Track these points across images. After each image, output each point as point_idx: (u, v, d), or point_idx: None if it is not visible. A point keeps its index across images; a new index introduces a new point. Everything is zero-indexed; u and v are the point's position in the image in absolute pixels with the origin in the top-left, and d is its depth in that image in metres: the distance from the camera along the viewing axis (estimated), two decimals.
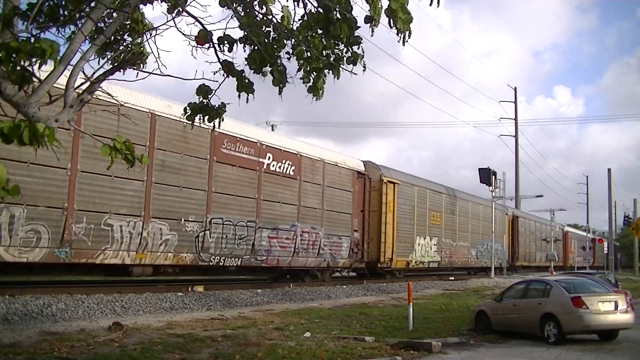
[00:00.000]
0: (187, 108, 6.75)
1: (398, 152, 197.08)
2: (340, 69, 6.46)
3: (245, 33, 6.39)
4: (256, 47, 6.34)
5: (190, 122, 6.87)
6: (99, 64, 6.39)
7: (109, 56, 6.59)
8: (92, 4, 5.69)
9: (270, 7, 6.33)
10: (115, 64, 6.38)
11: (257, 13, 6.45)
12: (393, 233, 27.06)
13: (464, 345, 12.57)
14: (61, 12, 6.04)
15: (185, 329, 12.17)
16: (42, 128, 4.55)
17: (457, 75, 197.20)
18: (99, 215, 14.69)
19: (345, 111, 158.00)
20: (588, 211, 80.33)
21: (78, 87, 5.53)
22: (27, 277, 15.91)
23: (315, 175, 22.80)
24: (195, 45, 6.46)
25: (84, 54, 5.46)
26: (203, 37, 6.41)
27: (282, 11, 6.29)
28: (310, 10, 6.26)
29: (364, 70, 6.48)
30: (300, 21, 6.37)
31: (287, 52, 6.54)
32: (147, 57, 6.66)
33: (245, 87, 6.53)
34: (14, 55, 4.70)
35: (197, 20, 6.35)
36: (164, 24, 6.33)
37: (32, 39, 4.97)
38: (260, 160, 19.99)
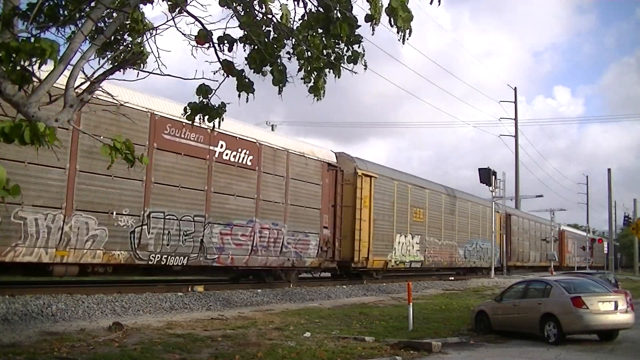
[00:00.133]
0: (187, 108, 6.75)
1: (398, 152, 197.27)
2: (341, 68, 6.45)
3: (245, 33, 6.39)
4: (256, 47, 6.34)
5: (190, 122, 6.86)
6: (99, 63, 6.40)
7: (109, 56, 6.58)
8: (92, 4, 5.69)
9: (269, 6, 6.33)
10: (116, 63, 6.38)
11: (257, 12, 6.45)
12: (369, 230, 25.21)
13: (464, 345, 12.56)
14: (61, 12, 6.04)
15: (185, 329, 12.16)
16: (42, 128, 4.55)
17: (457, 75, 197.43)
18: (9, 207, 12.63)
19: (345, 111, 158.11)
20: (588, 211, 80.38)
21: (78, 86, 5.53)
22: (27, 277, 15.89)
23: (277, 166, 20.76)
24: (195, 45, 6.46)
25: (84, 53, 5.46)
26: (203, 37, 6.41)
27: (281, 9, 6.29)
28: (311, 9, 6.26)
29: (365, 69, 6.48)
30: (301, 21, 6.37)
31: (288, 52, 6.54)
32: (147, 57, 6.67)
33: (245, 86, 6.53)
34: (14, 55, 4.71)
35: (197, 19, 6.35)
36: (163, 23, 6.34)
37: (32, 39, 4.97)
38: (211, 148, 18.00)
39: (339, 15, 6.07)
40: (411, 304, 14.36)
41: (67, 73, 5.35)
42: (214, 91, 6.63)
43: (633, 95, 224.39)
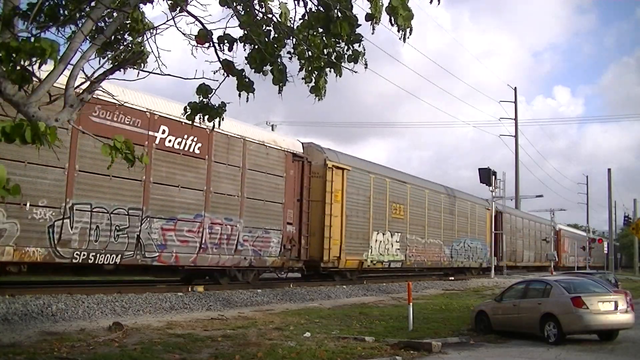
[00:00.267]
0: (188, 107, 6.75)
1: (398, 152, 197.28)
2: (342, 67, 6.46)
3: (245, 32, 6.39)
4: (256, 46, 6.34)
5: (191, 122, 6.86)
6: (99, 63, 6.40)
7: (109, 55, 6.59)
8: (92, 4, 5.69)
9: (269, 5, 6.34)
10: (116, 63, 6.38)
11: (257, 12, 6.45)
12: (341, 227, 23.34)
13: (464, 345, 12.57)
14: (61, 11, 6.05)
15: (185, 329, 12.17)
16: (43, 127, 4.56)
17: (457, 75, 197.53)
18: None
19: (345, 111, 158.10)
20: (588, 211, 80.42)
21: (78, 86, 5.53)
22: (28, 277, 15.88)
23: (232, 156, 18.75)
24: (196, 44, 6.47)
25: (84, 53, 5.46)
26: (203, 37, 6.41)
27: (280, 8, 6.29)
28: (311, 8, 6.26)
29: (365, 68, 6.49)
30: (301, 20, 6.37)
31: (289, 52, 6.54)
32: (147, 57, 6.67)
33: (245, 86, 6.53)
34: (14, 54, 4.71)
35: (197, 19, 6.36)
36: (163, 23, 6.34)
37: (32, 39, 4.98)
38: (151, 133, 16.01)
39: (339, 14, 6.07)
40: (411, 304, 14.36)
41: (67, 73, 5.35)
42: (214, 91, 6.63)
43: (633, 95, 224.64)
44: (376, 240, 26.23)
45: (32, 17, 5.39)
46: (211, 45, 6.50)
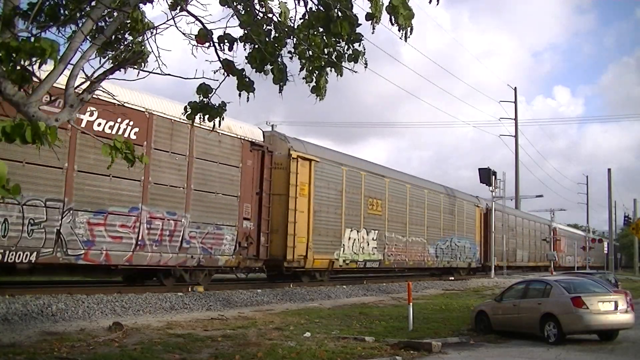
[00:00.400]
0: (188, 107, 6.76)
1: (398, 152, 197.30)
2: (342, 67, 6.46)
3: (246, 32, 6.39)
4: (256, 46, 6.35)
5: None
6: (100, 62, 6.40)
7: (110, 55, 6.59)
8: (92, 3, 5.69)
9: (269, 5, 6.34)
10: (116, 63, 6.39)
11: (257, 12, 6.45)
12: (308, 224, 21.47)
13: (464, 345, 12.56)
14: (61, 11, 6.04)
15: (185, 329, 12.16)
16: (43, 127, 4.56)
17: (457, 75, 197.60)
18: None
19: (345, 111, 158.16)
20: (588, 211, 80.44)
21: (78, 86, 5.53)
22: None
23: (176, 143, 16.76)
24: (196, 44, 6.47)
25: (84, 53, 5.47)
26: (203, 36, 6.42)
27: (280, 7, 6.29)
28: (311, 8, 6.26)
29: (365, 68, 6.49)
30: (302, 20, 6.38)
31: (290, 52, 6.54)
32: (147, 56, 6.67)
33: (245, 86, 6.54)
34: (14, 54, 4.71)
35: (197, 19, 6.36)
36: (164, 22, 6.34)
37: (32, 39, 4.98)
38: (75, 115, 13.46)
39: (339, 13, 6.08)
40: (411, 304, 14.36)
41: (67, 73, 5.35)
42: (214, 90, 6.63)
43: (633, 95, 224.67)
44: (349, 238, 24.35)
45: (33, 17, 5.39)
46: (211, 44, 6.51)
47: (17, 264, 13.30)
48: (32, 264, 13.62)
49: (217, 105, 6.75)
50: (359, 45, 6.39)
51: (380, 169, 28.35)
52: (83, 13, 5.93)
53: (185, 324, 12.85)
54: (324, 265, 22.99)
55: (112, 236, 15.01)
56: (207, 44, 6.50)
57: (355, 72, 6.47)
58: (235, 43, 6.53)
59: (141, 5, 6.36)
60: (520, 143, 61.11)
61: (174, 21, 6.30)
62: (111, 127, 15.04)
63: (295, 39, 6.42)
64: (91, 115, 14.47)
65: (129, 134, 15.41)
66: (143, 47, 6.69)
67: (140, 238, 15.68)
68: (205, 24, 6.39)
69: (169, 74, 6.34)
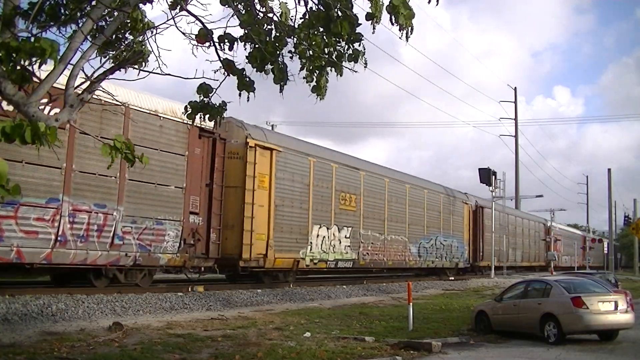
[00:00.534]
0: (188, 106, 6.76)
1: (398, 153, 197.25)
2: (343, 66, 6.46)
3: (246, 31, 6.39)
4: (257, 45, 6.35)
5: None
6: (100, 62, 6.40)
7: (110, 55, 6.59)
8: (93, 3, 5.69)
9: (269, 4, 6.34)
10: (117, 62, 6.39)
11: (257, 11, 6.45)
12: (269, 219, 19.66)
13: (464, 345, 12.56)
14: (62, 11, 6.04)
15: (185, 329, 12.16)
16: (43, 127, 4.56)
17: (457, 75, 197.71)
18: None
19: (345, 111, 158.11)
20: (588, 211, 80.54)
21: (78, 86, 5.53)
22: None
23: (107, 127, 14.70)
24: (196, 44, 6.47)
25: (84, 53, 5.46)
26: (203, 36, 6.42)
27: (280, 8, 6.30)
28: (311, 7, 6.26)
29: (365, 67, 6.49)
30: (302, 19, 6.38)
31: (290, 51, 6.55)
32: (148, 56, 6.66)
33: (246, 85, 6.54)
34: (14, 54, 4.71)
35: (197, 19, 6.36)
36: (164, 22, 6.34)
37: (32, 39, 4.98)
38: None
39: (339, 13, 6.08)
40: (411, 304, 14.36)
41: (67, 73, 5.35)
42: (214, 90, 6.63)
43: (632, 95, 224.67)
44: (318, 236, 22.27)
45: (33, 17, 5.39)
46: (212, 44, 6.51)
47: None
48: None
49: (217, 105, 6.75)
50: (359, 45, 6.40)
51: (355, 161, 26.24)
52: (83, 13, 5.93)
53: (185, 324, 12.85)
54: (287, 264, 21.00)
55: (25, 231, 13.25)
56: (207, 44, 6.50)
57: (355, 72, 6.48)
58: (236, 43, 6.53)
59: (141, 5, 6.36)
60: (520, 143, 61.12)
61: (174, 21, 6.30)
62: None
63: (295, 39, 6.42)
64: None
65: (48, 113, 12.85)
66: (143, 47, 6.69)
67: (61, 233, 13.86)
68: (205, 24, 6.39)
69: (169, 74, 6.35)
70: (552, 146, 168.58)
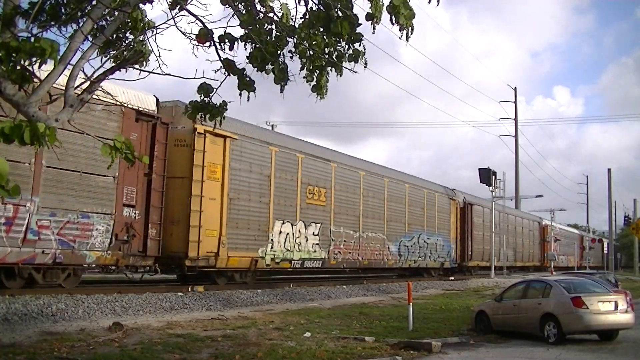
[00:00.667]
0: (189, 106, 6.76)
1: (398, 153, 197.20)
2: (343, 67, 6.46)
3: (246, 31, 6.39)
4: (257, 45, 6.35)
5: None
6: (101, 62, 6.40)
7: (111, 54, 6.58)
8: (93, 3, 5.69)
9: (270, 4, 6.33)
10: (118, 62, 6.39)
11: (257, 11, 6.45)
12: (221, 214, 17.92)
13: (464, 345, 12.56)
14: (63, 10, 6.04)
15: (185, 329, 12.16)
16: (42, 128, 4.55)
17: (457, 76, 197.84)
18: None
19: (345, 111, 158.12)
20: (588, 211, 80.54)
21: (78, 86, 5.53)
22: None
23: None
24: (196, 43, 6.47)
25: (84, 53, 5.46)
26: (204, 36, 6.41)
27: (281, 9, 6.29)
28: (312, 7, 6.26)
29: (365, 67, 6.49)
30: (302, 19, 6.38)
31: (290, 51, 6.55)
32: (148, 55, 6.66)
33: (246, 85, 6.54)
34: (14, 54, 4.70)
35: (197, 18, 6.35)
36: (164, 22, 6.33)
37: (32, 39, 4.97)
38: None
39: (339, 13, 6.08)
40: (411, 304, 14.36)
41: (67, 72, 5.35)
42: (215, 90, 6.63)
43: (632, 95, 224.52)
44: (280, 233, 20.51)
45: (33, 16, 5.39)
46: (212, 44, 6.50)
47: None
48: None
49: (218, 104, 6.75)
50: (360, 45, 6.40)
51: (325, 152, 24.26)
52: (83, 13, 5.92)
53: (185, 324, 12.85)
54: (243, 264, 19.23)
55: None
56: (207, 44, 6.50)
57: (356, 72, 6.48)
58: (236, 42, 6.53)
59: (141, 4, 6.36)
60: (520, 143, 61.22)
61: (174, 21, 6.30)
62: None
63: (295, 39, 6.42)
64: None
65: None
66: (144, 47, 6.68)
67: None
68: (205, 24, 6.39)
69: (169, 74, 6.34)
70: (552, 146, 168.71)
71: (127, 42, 6.68)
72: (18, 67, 4.89)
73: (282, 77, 6.49)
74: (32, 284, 14.31)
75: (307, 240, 21.90)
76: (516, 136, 60.91)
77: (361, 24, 6.16)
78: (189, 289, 17.25)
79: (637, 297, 22.54)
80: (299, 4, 6.35)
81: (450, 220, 34.64)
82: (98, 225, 14.83)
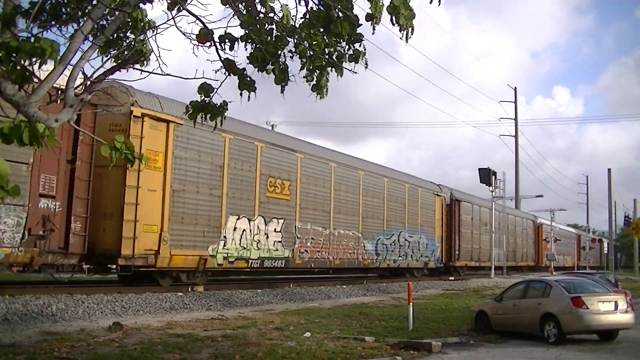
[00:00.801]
0: (189, 106, 6.75)
1: (398, 153, 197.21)
2: (343, 67, 6.46)
3: (246, 32, 6.39)
4: (258, 45, 6.34)
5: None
6: (102, 61, 6.40)
7: (112, 54, 6.58)
8: (94, 2, 5.68)
9: (270, 4, 6.33)
10: (119, 62, 6.38)
11: (258, 11, 6.44)
12: (163, 207, 16.10)
13: (464, 345, 12.56)
14: (63, 10, 6.03)
15: (185, 329, 12.16)
16: (42, 128, 4.55)
17: (457, 75, 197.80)
18: None
19: (345, 111, 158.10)
20: (588, 211, 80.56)
21: (78, 86, 5.53)
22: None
23: None
24: (197, 44, 6.46)
25: (84, 53, 5.45)
26: (204, 36, 6.41)
27: (281, 10, 6.29)
28: (312, 7, 6.26)
29: (365, 68, 6.48)
30: (302, 19, 6.37)
31: (290, 51, 6.54)
32: (149, 55, 6.65)
33: (246, 85, 6.53)
34: (14, 54, 4.70)
35: (197, 18, 6.35)
36: (164, 22, 6.33)
37: (32, 39, 4.97)
38: None
39: (339, 14, 6.07)
40: (411, 304, 14.36)
41: (67, 73, 5.35)
42: (215, 90, 6.63)
43: (632, 95, 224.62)
44: (235, 229, 18.67)
45: (34, 16, 5.38)
46: (212, 44, 6.50)
47: None
48: None
49: (218, 104, 6.74)
50: (360, 46, 6.39)
51: (290, 142, 22.35)
52: (84, 13, 5.92)
53: (185, 324, 12.85)
54: (190, 263, 17.35)
55: None
56: (208, 44, 6.49)
57: (356, 73, 6.47)
58: (237, 43, 6.53)
59: (141, 4, 6.36)
60: (520, 143, 61.27)
61: (174, 21, 6.30)
62: None
63: (296, 38, 6.42)
64: None
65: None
66: (144, 46, 6.68)
67: None
68: (206, 24, 6.39)
69: (169, 74, 6.34)
70: (552, 146, 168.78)
71: (127, 41, 6.67)
72: (18, 67, 4.88)
73: (282, 78, 6.48)
74: None
75: (267, 237, 20.08)
76: (516, 136, 60.98)
77: (361, 25, 6.16)
78: (189, 289, 17.25)
79: (637, 297, 22.54)
80: (299, 4, 6.34)
81: (435, 218, 32.76)
82: (6, 218, 12.96)
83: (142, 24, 6.55)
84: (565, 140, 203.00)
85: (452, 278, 33.68)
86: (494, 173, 38.36)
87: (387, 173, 28.99)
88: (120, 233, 15.07)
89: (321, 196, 23.08)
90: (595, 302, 12.71)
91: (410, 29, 5.73)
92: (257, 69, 6.45)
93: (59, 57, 5.02)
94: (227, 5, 6.28)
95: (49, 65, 5.06)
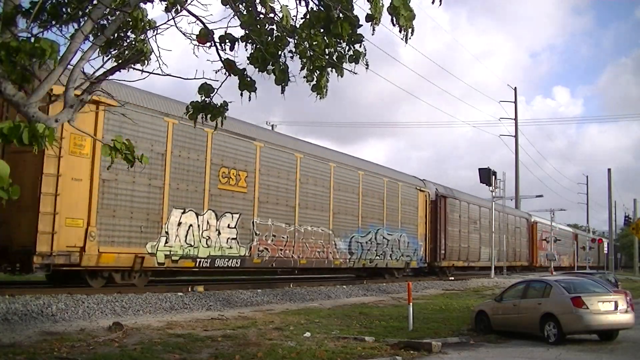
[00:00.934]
0: (190, 106, 6.75)
1: (397, 152, 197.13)
2: (343, 68, 6.46)
3: (247, 32, 6.39)
4: (258, 46, 6.35)
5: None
6: (102, 61, 6.40)
7: (112, 54, 6.58)
8: (94, 2, 5.69)
9: (270, 4, 6.33)
10: (119, 62, 6.38)
11: (258, 12, 6.44)
12: (90, 198, 14.40)
13: (464, 345, 12.56)
14: (63, 10, 6.04)
15: (185, 329, 12.16)
16: (42, 128, 4.55)
17: (456, 76, 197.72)
18: None
19: (344, 111, 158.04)
20: (588, 211, 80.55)
21: (78, 86, 5.53)
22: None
23: None
24: (197, 44, 6.46)
25: (84, 53, 5.46)
26: (204, 36, 6.41)
27: (282, 10, 6.29)
28: (312, 8, 6.26)
29: (366, 68, 6.48)
30: (303, 20, 6.38)
31: (290, 51, 6.55)
32: (150, 54, 6.65)
33: (247, 85, 6.54)
34: (14, 54, 4.70)
35: (198, 19, 6.35)
36: (164, 22, 6.33)
37: (33, 39, 4.97)
38: None
39: (339, 14, 6.07)
40: (411, 304, 14.36)
41: (67, 73, 5.35)
42: (215, 90, 6.63)
43: (630, 96, 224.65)
44: (180, 224, 16.82)
45: (34, 16, 5.39)
46: (212, 44, 6.50)
47: None
48: None
49: (218, 104, 6.74)
50: (360, 46, 6.39)
51: (247, 129, 20.08)
52: (84, 13, 5.92)
53: (185, 324, 12.85)
54: (123, 262, 15.48)
55: None
56: (208, 44, 6.49)
57: (356, 73, 6.47)
58: (237, 43, 6.53)
59: (142, 5, 6.36)
60: (520, 143, 61.21)
61: (174, 21, 6.30)
62: None
63: (296, 39, 6.42)
64: None
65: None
66: (145, 46, 6.68)
67: None
68: (206, 24, 6.39)
69: (169, 74, 6.34)
70: (551, 146, 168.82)
71: (128, 41, 6.68)
72: (18, 67, 4.88)
73: (282, 78, 6.49)
74: None
75: (219, 234, 18.13)
76: (516, 136, 60.98)
77: (362, 25, 6.16)
78: (189, 289, 17.25)
79: (637, 297, 22.54)
80: (300, 5, 6.35)
81: (418, 215, 30.45)
82: None
83: (143, 23, 6.56)
84: (564, 140, 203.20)
85: (452, 278, 33.68)
86: (494, 173, 38.30)
87: (363, 165, 26.73)
88: (36, 227, 13.30)
89: (284, 189, 21.12)
90: (595, 302, 12.71)
91: (410, 30, 5.74)
92: (257, 69, 6.45)
93: (59, 57, 5.02)
94: (227, 6, 6.29)
95: (50, 65, 5.05)
